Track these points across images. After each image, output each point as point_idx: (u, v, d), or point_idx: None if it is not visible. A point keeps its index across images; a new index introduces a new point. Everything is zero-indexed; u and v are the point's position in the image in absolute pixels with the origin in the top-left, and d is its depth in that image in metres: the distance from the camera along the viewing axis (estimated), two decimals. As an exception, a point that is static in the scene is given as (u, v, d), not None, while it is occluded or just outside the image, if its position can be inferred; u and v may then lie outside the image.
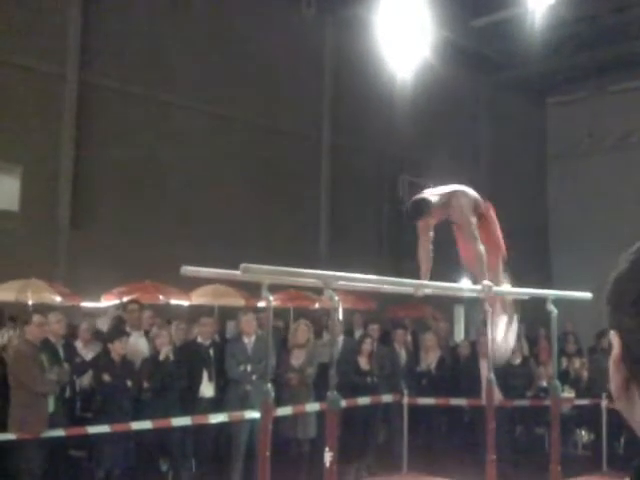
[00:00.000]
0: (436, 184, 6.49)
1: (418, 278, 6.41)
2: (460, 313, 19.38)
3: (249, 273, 5.17)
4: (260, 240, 15.50)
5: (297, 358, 9.56)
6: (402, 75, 14.70)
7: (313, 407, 9.03)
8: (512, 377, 10.59)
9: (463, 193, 6.23)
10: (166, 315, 11.53)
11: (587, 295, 7.10)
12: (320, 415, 8.40)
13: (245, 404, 8.66)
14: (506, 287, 6.46)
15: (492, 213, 6.57)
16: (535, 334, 13.27)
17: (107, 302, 12.35)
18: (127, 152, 14.73)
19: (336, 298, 5.65)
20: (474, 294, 6.49)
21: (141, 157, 14.95)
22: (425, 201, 6.13)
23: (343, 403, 6.93)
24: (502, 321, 6.49)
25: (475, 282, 6.48)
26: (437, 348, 11.50)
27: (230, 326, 11.78)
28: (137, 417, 8.41)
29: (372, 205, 19.12)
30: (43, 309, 9.42)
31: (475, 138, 21.27)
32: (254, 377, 8.80)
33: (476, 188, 23.12)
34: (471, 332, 16.90)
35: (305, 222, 17.59)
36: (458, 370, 11.36)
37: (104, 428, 8.02)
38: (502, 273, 6.50)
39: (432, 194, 6.26)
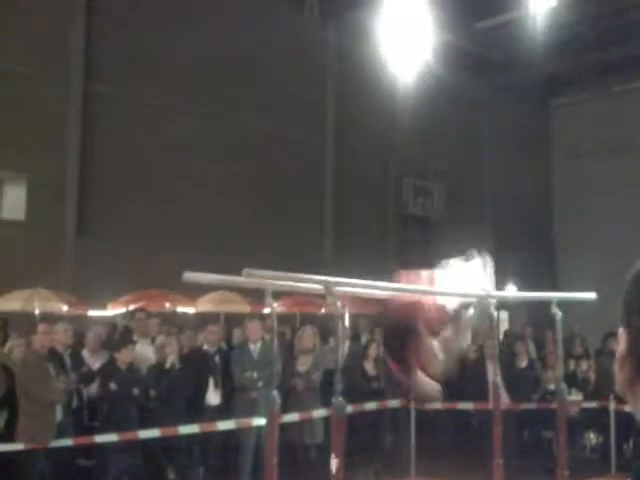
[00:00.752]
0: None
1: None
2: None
3: (252, 278, 5.18)
4: (265, 246, 15.52)
5: (303, 364, 9.56)
6: (405, 78, 14.69)
7: (320, 413, 9.02)
8: (519, 380, 10.56)
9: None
10: (172, 323, 11.55)
11: (591, 295, 7.08)
12: (327, 420, 8.39)
13: (252, 411, 8.65)
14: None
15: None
16: (542, 337, 13.24)
17: (114, 310, 12.38)
18: (132, 160, 14.80)
19: (339, 303, 5.65)
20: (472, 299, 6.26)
21: (146, 165, 15.00)
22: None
23: (349, 409, 6.92)
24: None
25: None
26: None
27: (236, 333, 11.79)
28: (144, 425, 8.41)
29: (376, 209, 19.13)
30: (50, 318, 9.44)
31: (478, 141, 21.25)
32: (260, 384, 8.79)
33: (480, 190, 23.07)
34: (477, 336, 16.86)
35: (310, 227, 17.60)
36: (464, 374, 11.33)
37: (112, 437, 8.03)
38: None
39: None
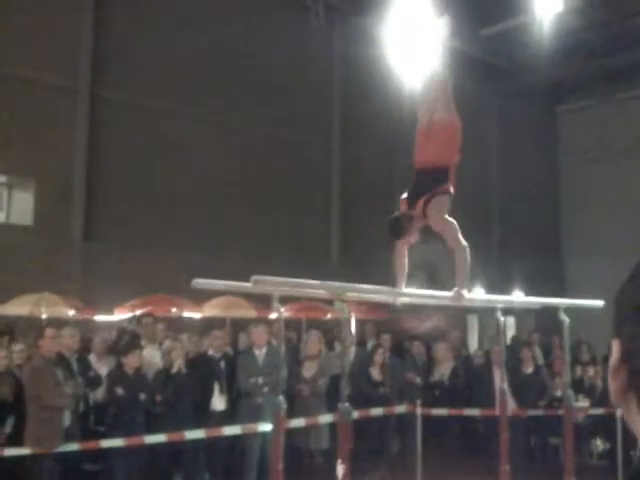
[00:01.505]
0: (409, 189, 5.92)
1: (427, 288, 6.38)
2: (473, 322, 19.31)
3: (260, 285, 5.18)
4: (271, 250, 15.54)
5: (309, 369, 9.55)
6: (411, 84, 14.70)
7: (326, 419, 9.01)
8: (525, 386, 10.53)
9: (436, 200, 5.63)
10: (179, 327, 11.56)
11: (598, 303, 7.06)
12: (333, 425, 8.38)
13: (257, 416, 8.64)
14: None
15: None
16: (549, 343, 13.21)
17: (120, 315, 12.39)
18: (139, 165, 14.84)
19: (347, 309, 5.66)
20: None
21: (153, 170, 15.04)
22: (404, 218, 5.71)
23: (355, 414, 6.92)
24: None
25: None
26: (450, 358, 11.46)
27: (242, 337, 11.79)
28: (150, 430, 8.42)
29: (383, 214, 19.09)
30: (57, 323, 9.46)
31: (485, 147, 21.24)
32: (265, 389, 8.78)
33: (487, 196, 23.03)
34: (484, 341, 16.86)
35: (316, 231, 17.61)
36: (471, 380, 11.31)
37: (118, 442, 8.04)
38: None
39: (408, 205, 5.80)
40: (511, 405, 8.77)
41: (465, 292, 5.71)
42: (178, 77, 15.49)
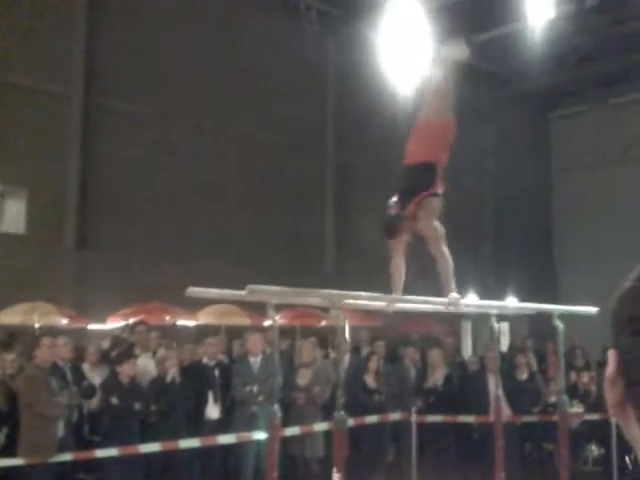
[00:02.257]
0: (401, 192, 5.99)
1: (422, 294, 6.36)
2: (467, 328, 19.32)
3: (255, 294, 5.17)
4: (266, 257, 15.52)
5: (303, 377, 9.53)
6: (404, 90, 14.73)
7: (321, 427, 8.99)
8: (520, 393, 10.53)
9: (427, 202, 5.67)
10: (173, 336, 11.52)
11: (592, 310, 7.08)
12: (328, 433, 8.36)
13: (252, 425, 8.62)
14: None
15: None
16: (543, 349, 13.22)
17: (113, 324, 12.36)
18: (133, 172, 14.81)
19: (342, 317, 5.65)
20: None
21: (146, 178, 15.01)
22: (397, 219, 5.76)
23: (351, 422, 6.90)
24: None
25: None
26: (444, 364, 11.45)
27: (236, 345, 11.76)
28: (144, 439, 8.38)
29: (378, 220, 19.09)
30: (50, 332, 9.41)
31: (478, 153, 21.27)
32: (260, 398, 8.76)
33: (480, 202, 23.08)
34: (478, 348, 16.85)
35: (311, 238, 17.60)
36: (465, 386, 11.30)
37: (112, 452, 8.00)
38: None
39: (400, 207, 5.84)
40: (506, 411, 8.77)
41: (459, 296, 5.76)
42: (172, 84, 15.47)
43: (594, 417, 10.59)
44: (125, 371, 8.44)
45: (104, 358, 9.79)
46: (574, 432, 10.07)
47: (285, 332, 12.16)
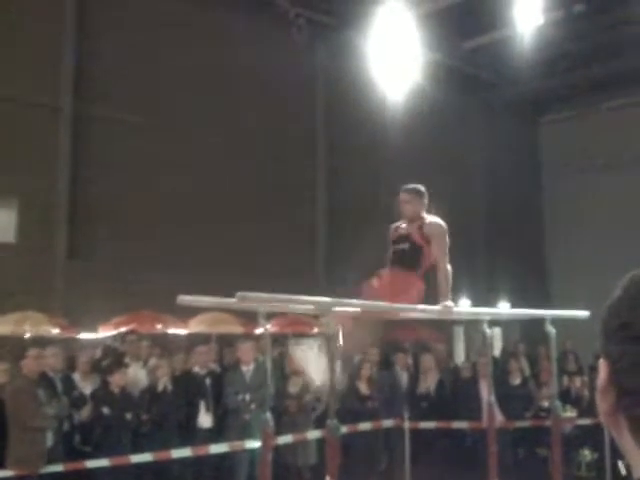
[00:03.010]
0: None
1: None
2: (459, 334, 19.31)
3: (245, 301, 5.14)
4: (257, 265, 15.47)
5: (294, 385, 9.50)
6: (394, 97, 14.77)
7: (313, 434, 8.97)
8: (512, 398, 10.52)
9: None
10: (164, 345, 11.47)
11: (584, 314, 7.08)
12: (321, 441, 8.33)
13: (244, 433, 8.58)
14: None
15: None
16: (535, 354, 13.22)
17: (104, 333, 12.29)
18: (123, 182, 14.77)
19: (333, 325, 5.62)
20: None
21: (137, 187, 14.97)
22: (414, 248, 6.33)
23: (343, 429, 6.88)
24: None
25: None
26: (436, 370, 11.44)
27: (227, 353, 11.71)
28: (136, 449, 8.33)
29: (369, 225, 19.11)
30: (41, 342, 9.36)
31: (469, 159, 21.32)
32: (253, 406, 8.72)
33: (471, 208, 23.10)
34: (471, 353, 16.85)
35: (302, 245, 17.58)
36: (458, 392, 11.29)
37: (104, 462, 7.94)
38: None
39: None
40: (498, 417, 8.75)
41: (452, 304, 5.88)
42: (161, 94, 15.45)
43: (587, 422, 10.59)
44: (116, 381, 8.40)
45: (95, 368, 9.73)
46: (567, 437, 10.06)
47: (277, 339, 12.13)
